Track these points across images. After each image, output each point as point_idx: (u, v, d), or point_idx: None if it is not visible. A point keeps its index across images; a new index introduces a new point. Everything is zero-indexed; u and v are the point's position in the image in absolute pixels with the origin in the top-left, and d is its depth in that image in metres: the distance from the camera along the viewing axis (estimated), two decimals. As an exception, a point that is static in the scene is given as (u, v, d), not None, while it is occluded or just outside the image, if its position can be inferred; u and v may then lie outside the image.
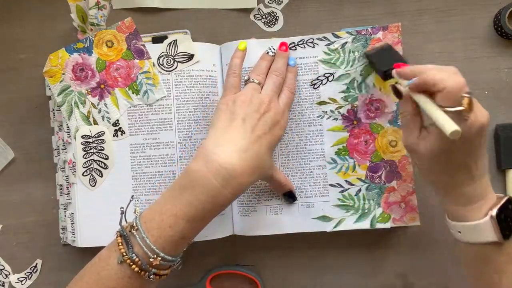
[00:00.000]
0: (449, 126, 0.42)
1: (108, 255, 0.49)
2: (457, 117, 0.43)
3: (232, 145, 0.50)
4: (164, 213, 0.48)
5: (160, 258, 0.47)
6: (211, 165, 0.48)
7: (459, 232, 0.49)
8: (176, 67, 0.61)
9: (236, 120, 0.52)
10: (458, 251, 0.52)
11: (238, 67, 0.58)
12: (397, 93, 0.50)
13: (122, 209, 0.54)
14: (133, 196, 0.60)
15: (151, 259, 0.47)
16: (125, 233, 0.49)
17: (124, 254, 0.47)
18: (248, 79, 0.57)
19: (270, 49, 0.60)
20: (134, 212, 0.51)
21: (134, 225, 0.49)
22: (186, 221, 0.48)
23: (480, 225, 0.47)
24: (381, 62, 0.56)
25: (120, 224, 0.51)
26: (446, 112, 0.43)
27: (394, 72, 0.51)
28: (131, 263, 0.47)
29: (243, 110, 0.53)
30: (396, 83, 0.50)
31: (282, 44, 0.60)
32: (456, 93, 0.43)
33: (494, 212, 0.47)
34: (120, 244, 0.48)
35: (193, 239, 0.51)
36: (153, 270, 0.48)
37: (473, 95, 0.43)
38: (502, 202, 0.47)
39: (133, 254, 0.47)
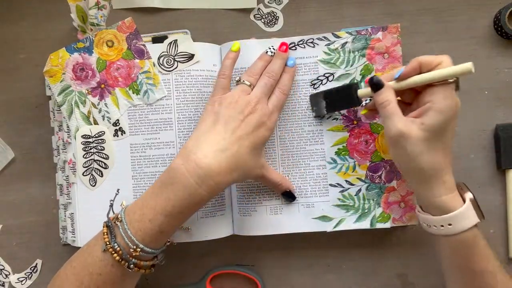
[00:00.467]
0: (464, 65, 0.47)
1: (95, 243, 0.52)
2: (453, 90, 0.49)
3: (211, 145, 0.52)
4: (145, 207, 0.51)
5: (140, 250, 0.50)
6: (189, 164, 0.50)
7: (450, 225, 0.49)
8: (176, 67, 0.61)
9: (219, 122, 0.53)
10: (442, 248, 0.52)
11: (228, 68, 0.58)
12: (376, 85, 0.52)
13: (111, 202, 0.60)
14: (118, 189, 0.61)
15: (131, 250, 0.50)
16: (110, 224, 0.52)
17: (108, 243, 0.50)
18: (239, 80, 0.58)
19: (269, 49, 0.59)
20: (121, 205, 0.53)
21: (118, 217, 0.51)
22: (165, 216, 0.50)
23: (466, 210, 0.49)
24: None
25: (107, 215, 0.53)
26: (443, 86, 0.49)
27: (375, 79, 0.52)
28: (113, 252, 0.50)
29: (228, 112, 0.54)
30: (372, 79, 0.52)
31: (283, 44, 0.60)
32: (451, 63, 0.49)
33: (470, 194, 0.50)
34: (105, 233, 0.51)
35: (173, 234, 0.53)
36: (133, 260, 0.50)
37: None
38: (464, 185, 0.52)
39: (115, 244, 0.50)
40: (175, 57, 0.61)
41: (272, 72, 0.58)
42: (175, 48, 0.62)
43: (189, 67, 0.61)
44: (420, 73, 0.50)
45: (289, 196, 0.60)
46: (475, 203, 0.50)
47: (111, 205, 0.59)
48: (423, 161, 0.49)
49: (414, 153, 0.49)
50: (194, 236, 0.61)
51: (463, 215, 0.49)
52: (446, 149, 0.50)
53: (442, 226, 0.50)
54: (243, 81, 0.57)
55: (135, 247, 0.50)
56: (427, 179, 0.50)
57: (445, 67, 0.48)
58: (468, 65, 0.47)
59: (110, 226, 0.51)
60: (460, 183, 0.52)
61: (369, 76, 0.53)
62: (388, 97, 0.51)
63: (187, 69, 0.61)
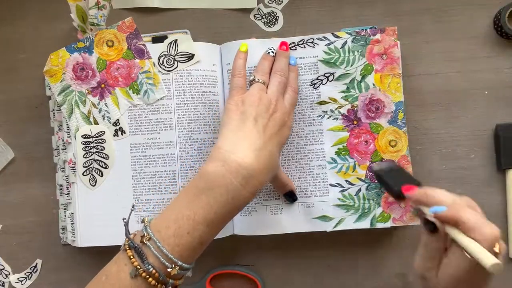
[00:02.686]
0: (489, 259, 0.39)
1: (118, 270, 0.45)
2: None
3: (249, 144, 0.49)
4: (180, 219, 0.46)
5: (178, 267, 0.45)
6: (230, 165, 0.47)
7: None
8: (176, 67, 0.61)
9: (249, 120, 0.51)
10: None
11: (242, 68, 0.57)
12: (431, 227, 0.43)
13: (124, 220, 0.50)
14: (133, 205, 0.59)
15: (168, 269, 0.45)
16: (135, 245, 0.46)
17: (139, 267, 0.45)
18: (254, 79, 0.56)
19: (270, 49, 0.59)
20: (142, 222, 0.48)
21: (145, 234, 0.46)
22: (206, 226, 0.46)
23: None
24: (394, 182, 0.50)
25: (126, 235, 0.48)
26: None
27: (408, 194, 0.46)
28: (147, 276, 0.45)
29: (254, 110, 0.52)
30: (418, 212, 0.45)
31: (282, 43, 0.60)
32: (493, 243, 0.40)
33: None
34: (132, 257, 0.45)
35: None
36: (170, 281, 0.46)
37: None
38: None
39: (149, 266, 0.45)
40: (175, 57, 0.61)
41: (282, 70, 0.58)
42: (175, 48, 0.62)
43: (189, 67, 0.61)
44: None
45: (290, 197, 0.60)
46: None
47: (126, 224, 0.49)
48: None
49: None
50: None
51: None
52: None
53: None
54: (258, 79, 0.56)
55: (173, 265, 0.45)
56: None
57: (482, 242, 0.40)
58: (491, 262, 0.38)
59: (136, 247, 0.45)
60: None
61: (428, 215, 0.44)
62: (436, 243, 0.43)
63: (187, 69, 0.61)
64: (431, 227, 0.43)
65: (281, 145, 0.54)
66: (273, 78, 0.57)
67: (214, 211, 0.46)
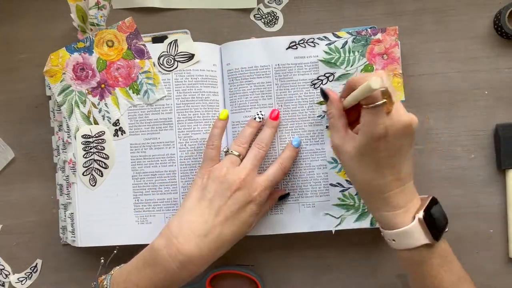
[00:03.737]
0: (363, 85, 0.44)
1: None
2: (380, 113, 0.45)
3: (193, 230, 0.52)
4: (128, 281, 0.52)
5: None
6: (170, 249, 0.51)
7: (394, 240, 0.49)
8: (176, 67, 0.61)
9: (204, 200, 0.53)
10: (397, 258, 0.52)
11: (217, 138, 0.57)
12: (325, 95, 0.54)
13: (102, 260, 0.57)
14: (117, 246, 0.59)
15: None
16: (97, 287, 0.53)
17: None
18: (227, 151, 0.57)
19: (257, 114, 0.59)
20: (111, 272, 0.54)
21: (104, 283, 0.52)
22: None
23: (410, 229, 0.47)
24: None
25: (97, 276, 0.54)
26: (369, 109, 0.46)
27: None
28: None
29: (214, 187, 0.54)
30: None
31: (273, 111, 0.59)
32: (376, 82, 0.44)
33: (420, 214, 0.47)
34: None
35: None
36: None
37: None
38: (427, 203, 0.48)
39: None
40: (175, 57, 0.61)
41: (262, 143, 0.57)
42: (175, 48, 0.62)
43: (189, 67, 0.61)
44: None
45: (282, 198, 0.60)
46: (425, 224, 0.47)
47: (102, 265, 0.57)
48: (357, 177, 0.50)
49: (348, 168, 0.51)
50: (194, 236, 0.61)
51: (406, 234, 0.48)
52: (384, 169, 0.47)
53: (389, 239, 0.50)
54: (232, 151, 0.56)
55: None
56: (366, 194, 0.51)
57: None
58: (366, 84, 0.43)
59: None
60: (426, 197, 0.50)
61: (322, 86, 0.56)
62: (331, 110, 0.52)
63: (187, 69, 0.61)
64: (325, 97, 0.54)
65: (245, 221, 0.54)
66: (251, 150, 0.57)
67: (154, 284, 0.51)
